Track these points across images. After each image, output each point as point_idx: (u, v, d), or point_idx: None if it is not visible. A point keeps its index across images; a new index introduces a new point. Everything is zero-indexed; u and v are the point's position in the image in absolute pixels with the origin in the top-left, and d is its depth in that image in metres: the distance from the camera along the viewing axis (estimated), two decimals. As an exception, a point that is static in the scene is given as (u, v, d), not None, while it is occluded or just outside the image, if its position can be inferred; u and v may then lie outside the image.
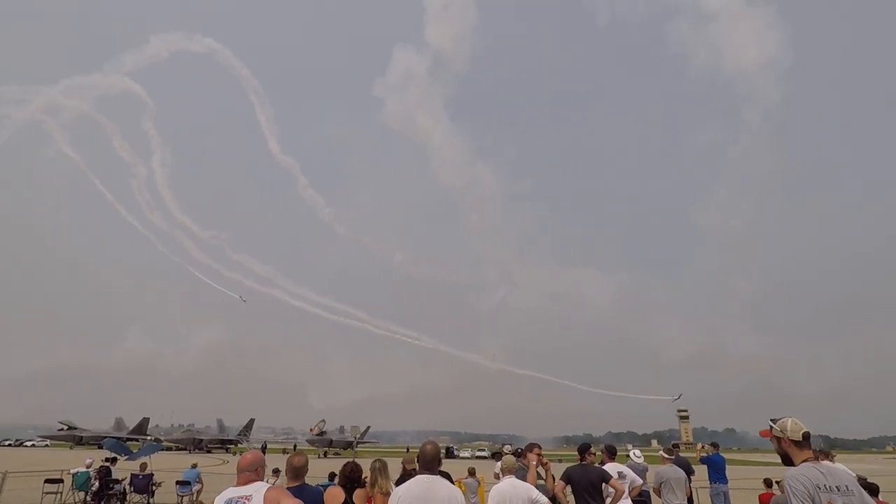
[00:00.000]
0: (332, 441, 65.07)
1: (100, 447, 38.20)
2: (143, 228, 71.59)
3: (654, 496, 9.06)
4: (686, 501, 6.59)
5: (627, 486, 6.88)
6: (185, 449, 66.19)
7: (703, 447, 13.58)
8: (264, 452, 53.92)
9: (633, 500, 7.30)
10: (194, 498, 14.93)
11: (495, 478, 7.38)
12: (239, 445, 74.60)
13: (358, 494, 4.83)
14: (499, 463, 9.00)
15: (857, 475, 9.72)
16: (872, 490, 8.31)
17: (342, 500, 4.43)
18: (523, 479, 5.82)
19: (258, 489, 3.41)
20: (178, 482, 15.18)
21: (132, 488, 15.00)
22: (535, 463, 6.49)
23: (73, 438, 70.16)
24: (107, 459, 16.14)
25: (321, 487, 4.89)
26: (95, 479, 14.69)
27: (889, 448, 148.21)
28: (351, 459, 5.35)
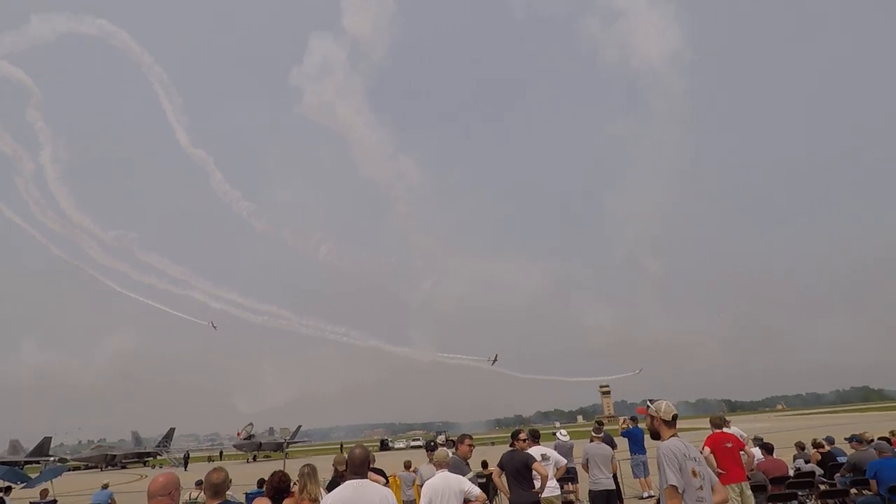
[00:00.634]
0: (260, 444, 62.54)
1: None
2: (33, 230, 64.17)
3: (582, 472, 9.48)
4: (612, 476, 6.94)
5: (552, 467, 7.13)
6: (97, 467, 61.07)
7: (624, 421, 14.42)
8: (187, 462, 50.87)
9: (559, 479, 7.63)
10: (107, 521, 13.81)
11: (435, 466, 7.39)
12: (158, 458, 70.05)
13: (286, 504, 4.63)
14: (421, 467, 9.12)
15: (756, 436, 10.79)
16: (768, 448, 9.25)
17: (269, 513, 4.22)
18: (461, 472, 5.87)
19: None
20: (87, 506, 13.99)
21: (32, 518, 13.63)
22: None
23: (-44, 469, 62.40)
24: (-1, 489, 14.51)
25: (248, 495, 4.65)
26: (-15, 512, 13.18)
27: (779, 406, 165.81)
28: (278, 470, 5.11)
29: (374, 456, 8.40)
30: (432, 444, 8.07)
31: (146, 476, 42.58)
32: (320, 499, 4.23)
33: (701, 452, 7.61)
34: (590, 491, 8.23)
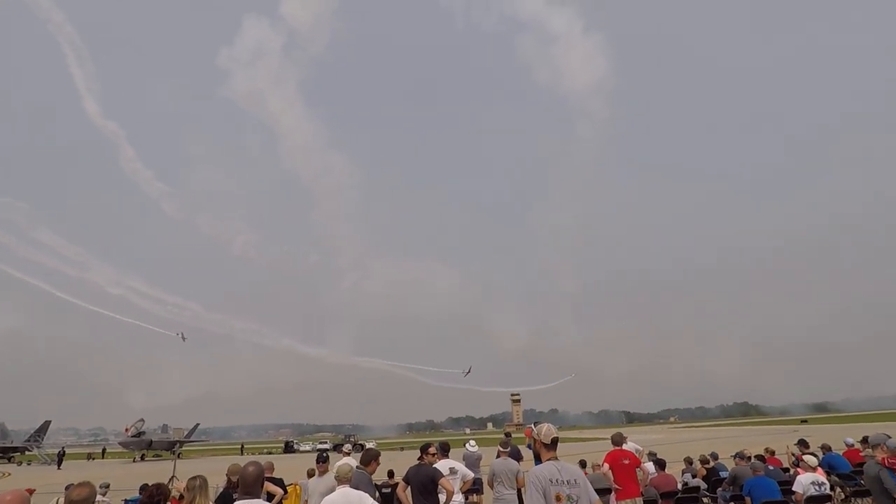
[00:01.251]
0: (151, 442, 57.67)
1: None
2: None
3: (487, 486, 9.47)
4: (516, 491, 6.95)
5: (458, 481, 7.02)
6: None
7: (529, 433, 14.66)
8: (61, 460, 45.85)
9: (465, 491, 7.54)
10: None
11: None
12: (27, 453, 62.82)
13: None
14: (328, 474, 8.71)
15: (650, 451, 11.38)
16: (661, 464, 9.74)
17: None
18: (367, 489, 5.59)
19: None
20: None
21: None
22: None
23: None
24: None
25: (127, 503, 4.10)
26: None
27: (672, 419, 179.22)
28: (156, 483, 4.57)
29: (271, 463, 7.89)
30: (324, 454, 7.62)
31: (10, 474, 37.99)
32: None
33: (599, 468, 7.92)
34: (494, 506, 8.23)
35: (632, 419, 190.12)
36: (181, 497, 4.90)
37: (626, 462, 7.39)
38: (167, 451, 55.83)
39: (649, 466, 9.69)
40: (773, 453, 12.00)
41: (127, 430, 58.29)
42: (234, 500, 3.63)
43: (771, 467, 9.81)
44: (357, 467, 5.99)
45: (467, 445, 11.84)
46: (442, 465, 6.91)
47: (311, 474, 10.97)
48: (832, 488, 8.81)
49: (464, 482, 7.14)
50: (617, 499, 7.37)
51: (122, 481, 23.88)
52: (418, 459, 6.62)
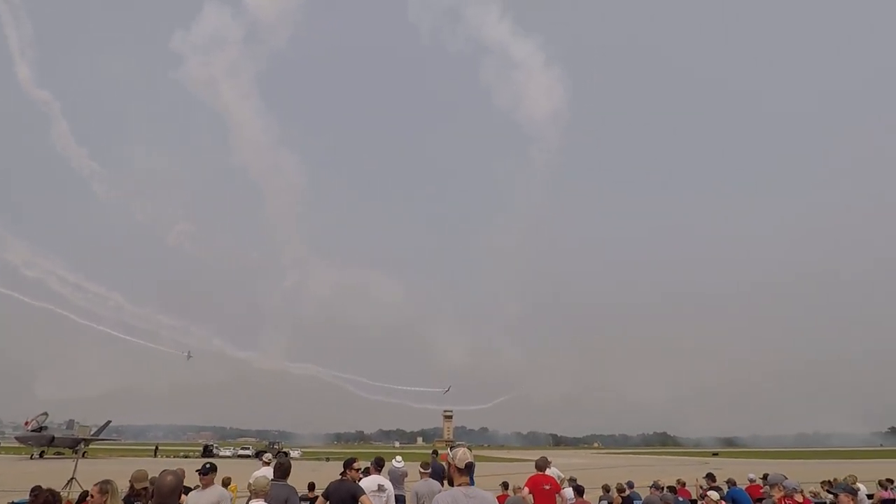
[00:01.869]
0: (53, 438, 53.08)
1: None
2: None
3: None
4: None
5: (384, 498, 6.91)
6: None
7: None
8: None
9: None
10: None
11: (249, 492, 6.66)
12: None
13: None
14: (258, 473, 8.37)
15: (570, 477, 11.66)
16: (580, 491, 10.01)
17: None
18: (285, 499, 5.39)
19: None
20: None
21: None
22: None
23: None
24: None
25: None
26: None
27: (595, 444, 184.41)
28: (47, 489, 4.22)
29: (183, 471, 7.46)
30: (207, 465, 7.16)
31: None
32: None
33: (520, 492, 8.04)
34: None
35: (558, 442, 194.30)
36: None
37: (547, 488, 7.54)
38: (70, 448, 51.62)
39: (568, 492, 9.93)
40: (684, 485, 12.61)
41: (27, 423, 53.45)
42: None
43: (681, 499, 10.30)
44: (274, 480, 5.75)
45: (393, 461, 11.71)
46: (370, 481, 6.78)
47: (225, 483, 10.49)
48: (733, 522, 9.33)
49: (387, 499, 7.01)
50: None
51: (14, 480, 21.88)
52: (341, 474, 6.46)
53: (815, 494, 11.27)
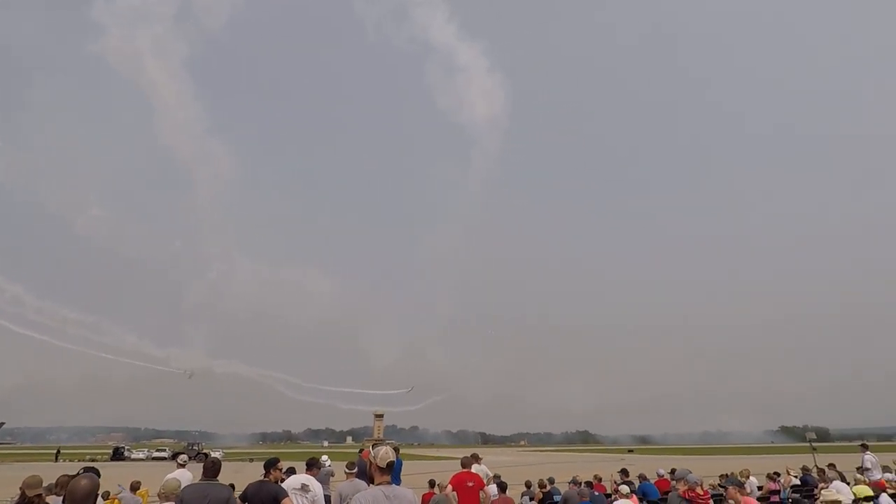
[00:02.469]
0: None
1: None
2: None
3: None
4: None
5: (309, 498, 6.76)
6: None
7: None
8: None
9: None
10: None
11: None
12: None
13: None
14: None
15: (495, 474, 11.98)
16: (503, 487, 10.32)
17: None
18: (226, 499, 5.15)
19: None
20: None
21: None
22: None
23: None
24: None
25: None
26: None
27: (522, 442, 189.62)
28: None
29: (97, 470, 6.97)
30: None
31: None
32: None
33: (445, 490, 8.17)
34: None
35: (487, 440, 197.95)
36: None
37: (471, 485, 7.73)
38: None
39: (492, 489, 10.21)
40: (600, 480, 13.30)
41: None
42: None
43: (596, 493, 10.86)
44: (204, 479, 5.46)
45: (321, 460, 11.52)
46: (293, 480, 6.63)
47: (134, 487, 9.90)
48: (641, 513, 9.97)
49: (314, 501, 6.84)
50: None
51: None
52: (263, 475, 6.27)
53: (714, 487, 12.27)
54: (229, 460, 54.89)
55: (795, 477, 14.06)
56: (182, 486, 5.38)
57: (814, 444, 25.55)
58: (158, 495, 4.63)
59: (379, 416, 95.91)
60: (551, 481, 12.76)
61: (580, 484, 11.09)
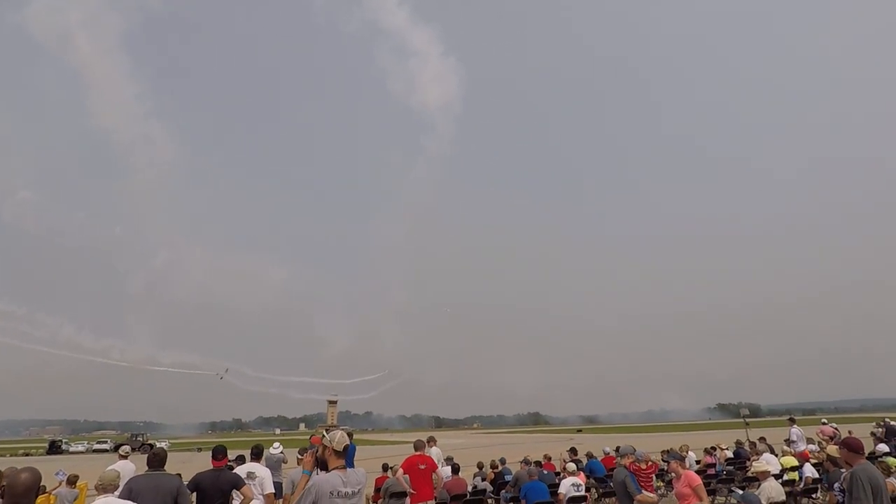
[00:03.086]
0: None
1: None
2: None
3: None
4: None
5: (256, 486, 6.66)
6: None
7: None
8: None
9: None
10: None
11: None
12: None
13: None
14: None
15: (448, 456, 12.15)
16: (455, 469, 10.48)
17: None
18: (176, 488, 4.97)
19: None
20: None
21: None
22: None
23: None
24: None
25: None
26: None
27: (475, 425, 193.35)
28: None
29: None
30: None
31: None
32: None
33: (397, 473, 8.25)
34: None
35: (441, 424, 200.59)
36: None
37: (423, 467, 7.81)
38: None
39: (445, 471, 10.37)
40: (549, 459, 13.73)
41: None
42: None
43: (546, 472, 11.21)
44: (150, 471, 5.25)
45: (271, 448, 11.36)
46: (240, 470, 6.49)
47: (71, 482, 9.45)
48: (588, 489, 10.38)
49: (264, 493, 6.70)
50: (412, 502, 7.74)
51: None
52: (215, 464, 6.05)
53: (657, 463, 12.93)
54: (177, 450, 53.28)
55: (727, 449, 15.00)
56: (123, 478, 5.17)
57: (747, 420, 27.30)
58: (96, 487, 4.41)
59: (332, 403, 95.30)
60: (503, 461, 13.07)
61: (531, 463, 11.42)
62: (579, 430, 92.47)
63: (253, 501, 6.07)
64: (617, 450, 13.73)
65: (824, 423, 17.14)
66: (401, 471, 7.61)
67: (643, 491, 7.38)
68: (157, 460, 5.35)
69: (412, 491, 7.63)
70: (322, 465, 3.46)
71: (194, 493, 5.55)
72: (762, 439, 15.46)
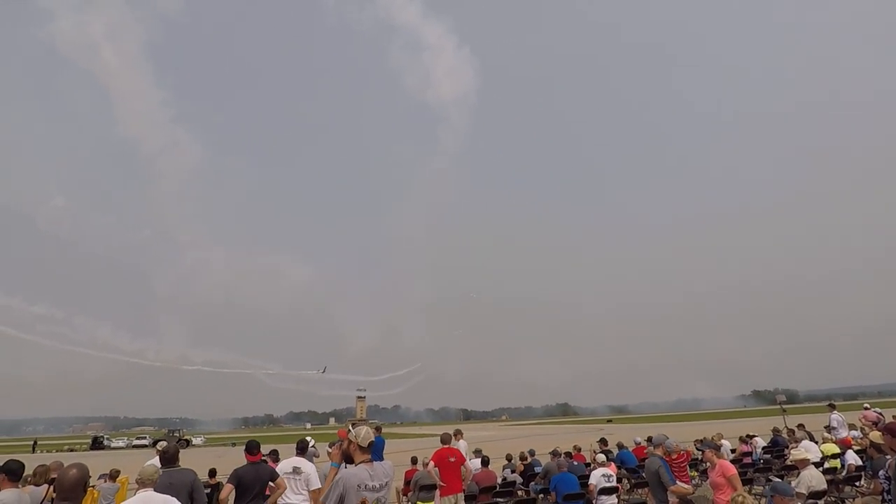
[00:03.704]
0: None
1: None
2: None
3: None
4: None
5: (302, 479, 6.63)
6: None
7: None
8: None
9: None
10: None
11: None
12: None
13: None
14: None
15: (476, 449, 12.16)
16: (485, 461, 10.47)
17: None
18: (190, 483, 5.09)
19: None
20: None
21: None
22: None
23: None
24: None
25: None
26: None
27: (504, 417, 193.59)
28: None
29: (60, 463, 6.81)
30: (13, 464, 6.07)
31: None
32: None
33: (427, 466, 8.27)
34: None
35: (469, 417, 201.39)
36: None
37: (452, 460, 7.81)
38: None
39: (475, 463, 10.37)
40: (579, 450, 13.63)
41: None
42: None
43: (576, 463, 11.12)
44: (163, 468, 5.39)
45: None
46: (285, 464, 6.56)
47: (112, 476, 9.76)
48: (619, 480, 10.25)
49: (308, 483, 6.70)
50: (441, 495, 7.76)
51: None
52: (250, 459, 6.14)
53: (690, 451, 12.69)
54: (212, 445, 54.75)
55: (755, 437, 14.60)
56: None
57: (784, 407, 26.53)
58: (136, 482, 4.54)
59: (361, 398, 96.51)
60: (532, 453, 13.01)
61: (560, 455, 11.32)
62: (609, 421, 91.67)
63: (298, 496, 6.19)
64: (648, 439, 13.56)
65: (867, 408, 16.51)
66: (431, 463, 7.64)
67: (677, 481, 7.23)
68: (165, 458, 5.48)
69: (442, 483, 7.65)
70: (348, 458, 3.50)
71: (236, 486, 5.71)
72: (801, 426, 15.03)
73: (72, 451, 52.71)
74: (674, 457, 8.25)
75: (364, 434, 3.48)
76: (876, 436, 7.97)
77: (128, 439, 65.64)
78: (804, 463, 7.64)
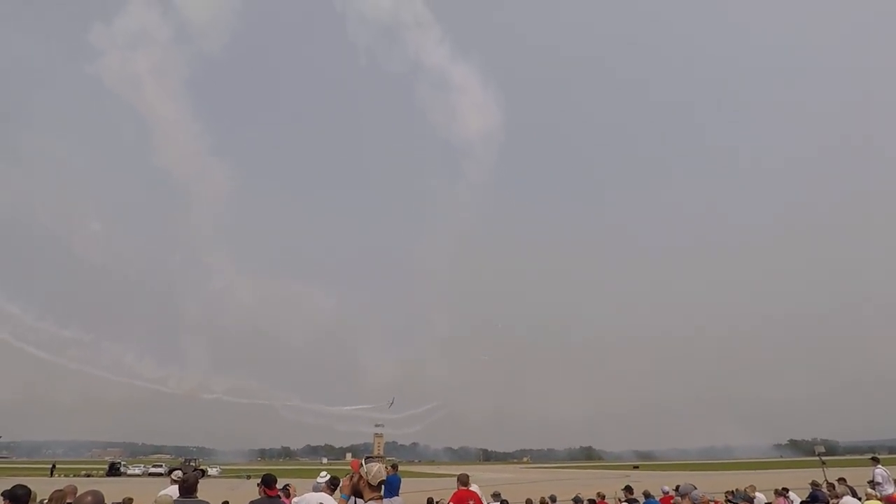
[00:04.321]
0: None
1: None
2: None
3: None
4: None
5: None
6: None
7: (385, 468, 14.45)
8: None
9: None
10: None
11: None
12: None
13: None
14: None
15: (494, 492, 11.76)
16: (504, 503, 10.12)
17: None
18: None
19: None
20: None
21: None
22: None
23: None
24: None
25: None
26: None
27: (525, 459, 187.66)
28: None
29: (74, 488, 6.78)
30: None
31: None
32: None
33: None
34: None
35: (489, 457, 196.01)
36: None
37: (472, 503, 7.55)
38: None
39: (492, 506, 10.01)
40: (603, 497, 13.04)
41: None
42: None
43: (600, 510, 10.64)
44: (181, 498, 5.34)
45: (318, 477, 11.34)
46: (311, 498, 6.46)
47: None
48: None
49: None
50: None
51: None
52: (266, 494, 6.06)
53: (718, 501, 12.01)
54: (226, 476, 54.27)
55: (786, 492, 13.80)
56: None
57: (823, 459, 25.05)
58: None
59: (379, 434, 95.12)
60: (553, 499, 12.49)
61: (583, 502, 10.86)
62: (636, 467, 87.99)
63: None
64: (676, 489, 12.91)
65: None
66: (449, 505, 7.39)
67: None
68: (186, 486, 5.42)
69: (459, 527, 7.38)
70: (357, 492, 3.37)
71: None
72: (842, 480, 14.12)
73: (88, 475, 52.84)
74: (704, 509, 7.79)
75: (375, 472, 3.36)
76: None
77: (144, 466, 65.61)
78: (847, 521, 7.14)
